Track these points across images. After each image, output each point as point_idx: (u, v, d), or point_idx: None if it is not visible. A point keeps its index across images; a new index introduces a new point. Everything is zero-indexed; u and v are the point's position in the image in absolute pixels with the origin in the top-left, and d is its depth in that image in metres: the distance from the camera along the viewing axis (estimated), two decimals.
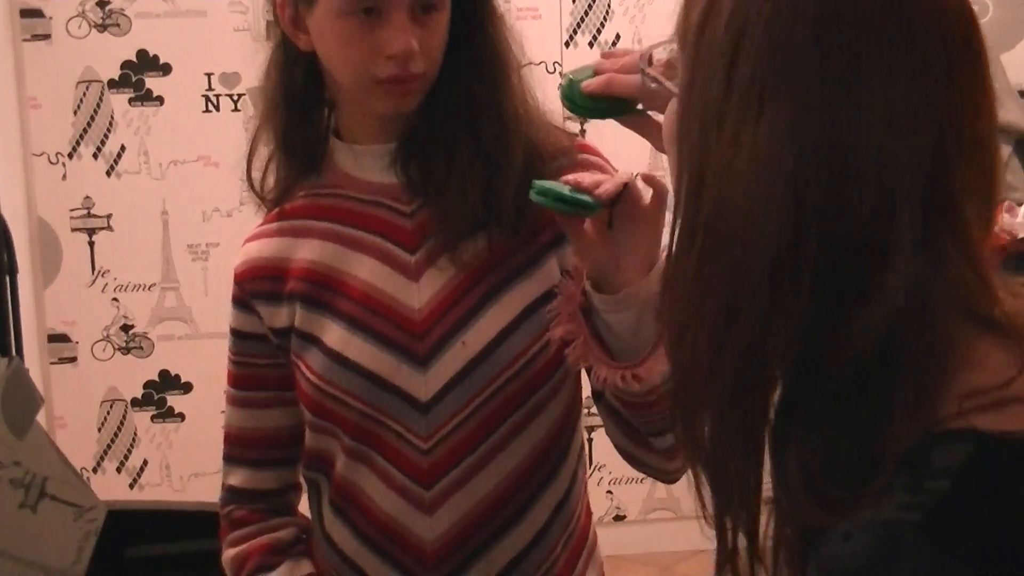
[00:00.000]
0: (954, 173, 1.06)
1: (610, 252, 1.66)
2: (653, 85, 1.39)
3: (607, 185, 1.62)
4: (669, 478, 1.88)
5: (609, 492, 4.50)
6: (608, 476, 4.47)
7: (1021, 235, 2.37)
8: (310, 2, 1.78)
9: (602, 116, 1.66)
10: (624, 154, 4.12)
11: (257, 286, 1.92)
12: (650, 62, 1.44)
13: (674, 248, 1.16)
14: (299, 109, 1.90)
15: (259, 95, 1.93)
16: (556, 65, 4.20)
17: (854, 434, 1.06)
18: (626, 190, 1.63)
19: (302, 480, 2.03)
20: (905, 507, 1.00)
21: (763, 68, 1.06)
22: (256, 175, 1.95)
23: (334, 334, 1.85)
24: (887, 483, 1.01)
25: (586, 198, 1.60)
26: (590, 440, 4.14)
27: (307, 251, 1.89)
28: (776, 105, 1.05)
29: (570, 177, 1.64)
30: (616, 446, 1.87)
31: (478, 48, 1.85)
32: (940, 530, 0.98)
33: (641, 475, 3.52)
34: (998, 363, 1.06)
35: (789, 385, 1.09)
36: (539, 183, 1.63)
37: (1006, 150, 3.73)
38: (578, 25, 4.19)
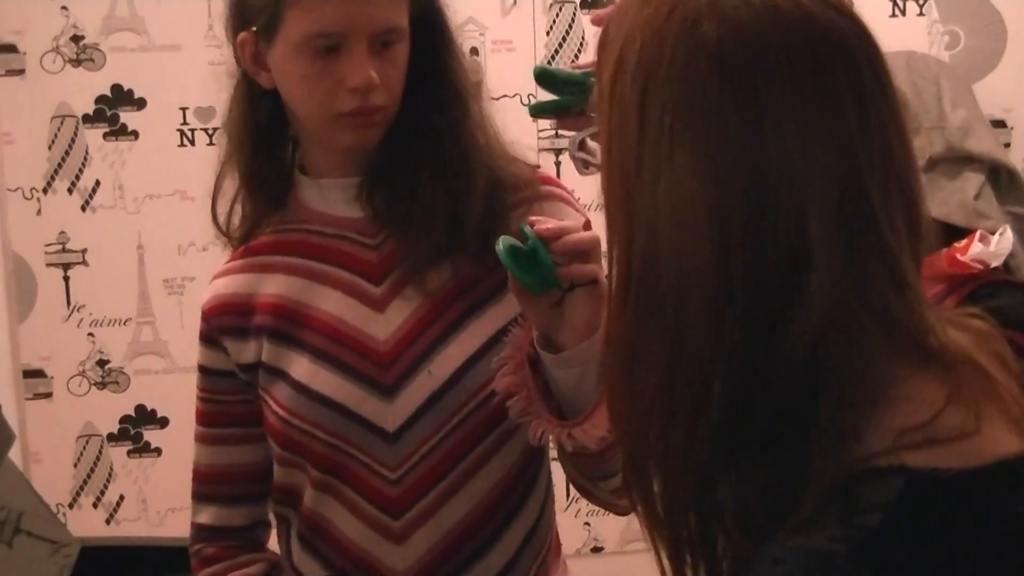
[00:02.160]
0: (872, 195, 1.08)
1: (557, 317, 1.67)
2: (585, 168, 1.42)
3: (584, 271, 1.62)
4: (620, 511, 1.90)
5: (587, 524, 4.48)
6: (586, 508, 4.46)
7: (993, 264, 2.38)
8: (270, 40, 1.79)
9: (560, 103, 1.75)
10: (598, 186, 4.10)
11: (224, 322, 1.92)
12: (581, 146, 1.46)
13: (611, 309, 1.17)
14: (263, 146, 1.91)
15: (222, 132, 1.94)
16: (531, 97, 4.20)
17: (783, 465, 1.07)
18: (594, 285, 1.64)
19: (271, 516, 2.03)
20: (835, 539, 1.01)
21: (670, 108, 1.08)
22: (222, 213, 1.95)
23: (301, 367, 1.85)
24: (816, 514, 1.03)
25: (552, 277, 1.61)
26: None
27: (273, 286, 1.89)
28: (685, 144, 1.07)
29: (572, 270, 1.64)
30: (568, 477, 1.87)
31: (437, 80, 1.87)
32: (870, 561, 1.00)
33: None
34: (931, 397, 1.08)
35: (724, 418, 1.09)
36: (506, 241, 1.62)
37: (978, 179, 3.73)
38: (552, 57, 4.19)
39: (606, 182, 1.17)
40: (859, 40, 1.10)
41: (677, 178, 1.07)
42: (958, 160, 3.66)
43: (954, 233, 2.99)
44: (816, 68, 1.07)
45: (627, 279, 1.14)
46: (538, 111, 1.81)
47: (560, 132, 4.19)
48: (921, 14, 4.19)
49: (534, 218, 1.64)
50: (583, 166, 1.65)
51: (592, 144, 1.57)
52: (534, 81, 1.79)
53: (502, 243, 1.61)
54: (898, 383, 1.08)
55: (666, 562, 1.16)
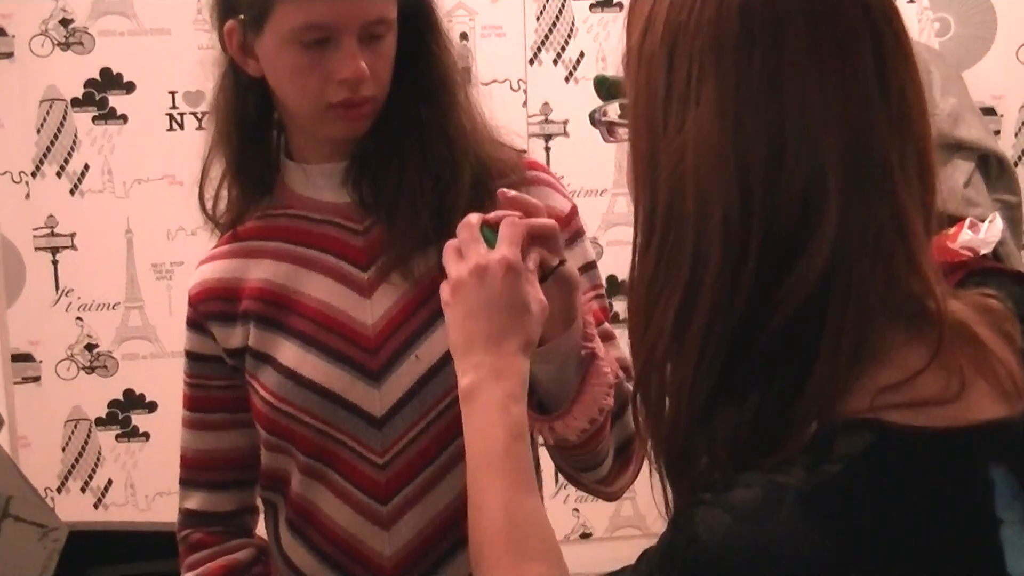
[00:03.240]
0: (888, 150, 1.11)
1: None
2: (610, 135, 1.43)
3: (546, 257, 1.60)
4: (609, 498, 1.89)
5: (575, 510, 4.49)
6: (575, 494, 4.47)
7: (982, 251, 2.37)
8: (259, 29, 1.78)
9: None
10: (588, 173, 4.13)
11: (211, 307, 1.92)
12: (604, 112, 1.47)
13: (635, 255, 1.21)
14: (250, 131, 1.90)
15: (209, 119, 1.94)
16: (520, 83, 4.20)
17: (775, 406, 1.11)
18: (559, 268, 1.62)
19: (259, 502, 2.03)
20: (798, 480, 1.05)
21: (697, 59, 1.12)
22: (208, 198, 1.95)
23: (288, 352, 1.85)
24: (793, 458, 1.08)
25: None
26: None
27: (260, 271, 1.89)
28: (709, 90, 1.11)
29: (537, 251, 1.61)
30: (555, 466, 1.87)
31: (425, 67, 1.86)
32: (819, 503, 1.04)
33: None
34: (916, 359, 1.12)
35: (730, 352, 1.13)
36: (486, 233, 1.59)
37: (968, 167, 3.75)
38: (542, 43, 4.19)
39: (633, 135, 1.20)
40: (881, 2, 1.14)
41: (701, 123, 1.11)
42: (948, 147, 3.68)
43: (943, 221, 3.00)
44: (837, 23, 1.11)
45: (651, 225, 1.18)
46: (601, 85, 1.81)
47: (549, 118, 4.19)
48: (911, 1, 4.20)
49: (492, 215, 1.62)
50: (607, 132, 1.63)
51: (612, 107, 1.56)
52: (594, 90, 1.79)
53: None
54: (889, 344, 1.12)
55: (656, 471, 1.22)
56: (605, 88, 1.78)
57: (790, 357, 1.11)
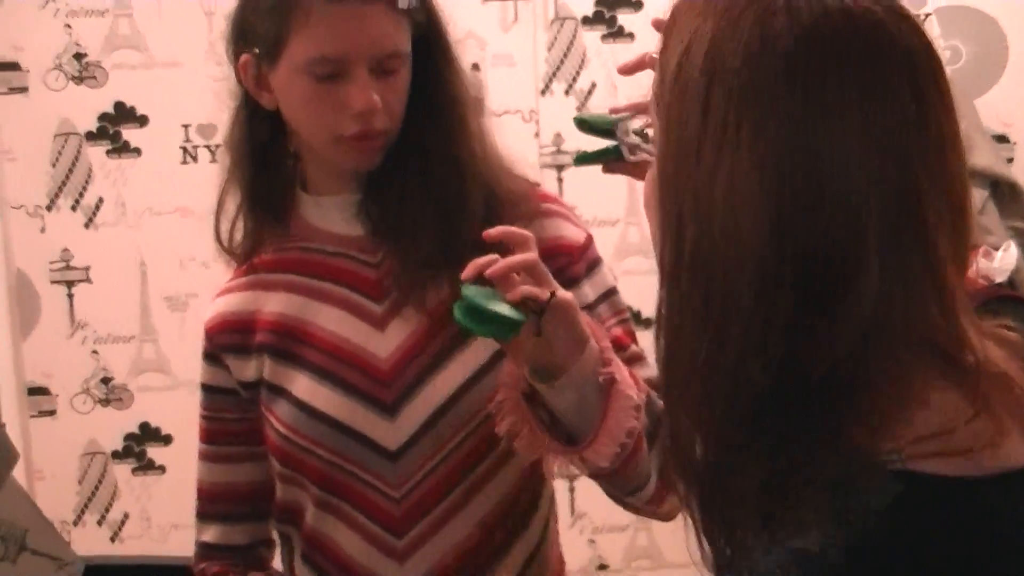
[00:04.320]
0: (925, 203, 1.09)
1: (538, 345, 1.64)
2: (631, 155, 1.42)
3: (531, 293, 1.61)
4: (663, 518, 1.88)
5: (591, 541, 4.48)
6: (590, 525, 4.46)
7: (998, 280, 2.37)
8: (273, 62, 1.80)
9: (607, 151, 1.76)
10: (601, 203, 4.13)
11: (226, 339, 1.92)
12: (629, 130, 1.47)
13: (662, 286, 1.18)
14: (264, 163, 1.91)
15: (224, 151, 1.94)
16: (532, 113, 4.21)
17: (805, 452, 1.08)
18: (552, 301, 1.62)
19: (275, 535, 2.03)
20: (829, 538, 1.03)
21: (736, 103, 1.09)
22: (224, 230, 1.95)
23: (302, 385, 1.85)
24: (818, 508, 1.05)
25: (510, 315, 1.59)
26: (572, 488, 4.13)
27: (275, 304, 1.90)
28: (749, 136, 1.09)
29: (518, 290, 1.61)
30: (605, 492, 1.86)
31: (438, 98, 1.87)
32: (862, 564, 1.02)
33: (623, 524, 3.50)
34: (952, 407, 1.09)
35: (761, 399, 1.11)
36: (465, 297, 1.60)
37: (981, 194, 3.75)
38: (554, 73, 4.20)
39: (661, 165, 1.18)
40: (926, 55, 1.12)
41: (737, 165, 1.09)
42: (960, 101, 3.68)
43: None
44: (883, 76, 1.09)
45: (677, 263, 1.15)
46: (582, 161, 1.83)
47: (561, 149, 4.20)
48: None
49: (469, 269, 1.62)
50: (630, 151, 1.65)
51: (635, 125, 1.57)
52: (577, 127, 1.80)
53: (455, 310, 1.60)
54: (926, 390, 1.10)
55: (691, 520, 1.19)
56: (587, 128, 1.79)
57: (826, 406, 1.09)
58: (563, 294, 1.64)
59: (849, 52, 1.09)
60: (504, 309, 1.59)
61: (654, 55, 1.24)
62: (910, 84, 1.10)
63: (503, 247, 1.65)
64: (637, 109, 1.72)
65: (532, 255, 1.64)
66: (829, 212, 1.07)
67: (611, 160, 1.79)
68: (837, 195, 1.07)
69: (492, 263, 1.61)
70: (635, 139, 1.58)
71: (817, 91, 1.08)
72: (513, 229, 1.66)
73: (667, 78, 1.17)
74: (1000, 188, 3.86)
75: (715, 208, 1.10)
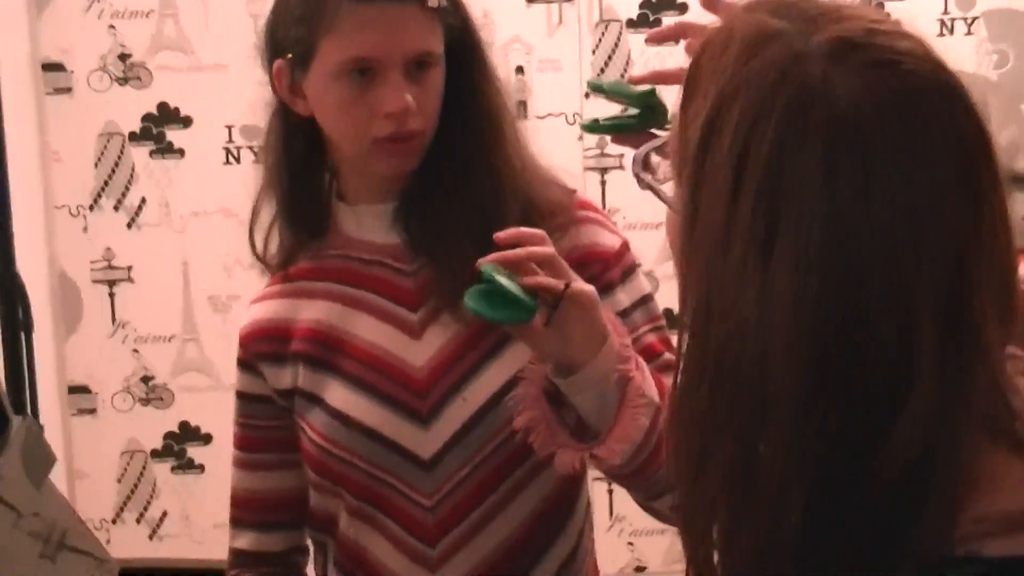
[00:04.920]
0: (976, 293, 1.02)
1: (557, 339, 1.63)
2: (646, 188, 1.36)
3: (547, 282, 1.61)
4: None
5: (630, 543, 4.47)
6: (629, 528, 4.45)
7: None
8: (305, 68, 1.80)
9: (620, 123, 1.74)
10: (645, 205, 4.12)
11: (261, 347, 1.92)
12: (645, 163, 1.43)
13: (681, 376, 1.12)
14: (300, 173, 1.91)
15: (260, 161, 1.95)
16: (576, 116, 4.20)
17: (874, 555, 1.02)
18: (567, 291, 1.61)
19: (309, 542, 2.03)
20: None
21: (767, 200, 1.02)
22: (259, 240, 1.95)
23: (337, 394, 1.85)
24: None
25: (521, 298, 1.59)
26: (610, 491, 4.13)
27: (310, 312, 1.90)
28: (785, 240, 1.01)
29: (529, 278, 1.61)
30: (634, 500, 1.85)
31: (472, 103, 1.86)
32: None
33: (662, 527, 3.49)
34: (1015, 482, 1.04)
35: (804, 526, 1.03)
36: (483, 278, 1.60)
37: None
38: (599, 75, 4.19)
39: (683, 244, 1.11)
40: (971, 133, 1.05)
41: (769, 270, 1.01)
42: (1007, 181, 3.66)
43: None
44: (927, 165, 1.01)
45: (702, 361, 1.08)
46: (592, 129, 1.80)
47: (605, 152, 4.19)
48: (969, 33, 4.18)
49: (486, 258, 1.62)
50: (646, 188, 1.63)
51: (655, 159, 1.54)
52: (589, 92, 1.78)
53: (467, 297, 1.60)
54: (986, 467, 1.03)
55: None
56: (602, 93, 1.77)
57: (885, 520, 1.01)
58: (579, 286, 1.63)
59: (891, 141, 1.01)
60: (516, 293, 1.58)
61: (687, 26, 1.16)
62: (960, 170, 1.02)
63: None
64: (657, 79, 1.70)
65: (549, 248, 1.64)
66: (876, 321, 1.00)
67: (622, 131, 1.77)
68: (884, 301, 1.00)
69: (510, 242, 1.62)
70: (648, 178, 1.56)
71: (856, 188, 0.99)
72: (524, 229, 1.66)
73: (690, 144, 1.09)
74: None
75: (746, 313, 1.02)
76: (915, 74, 1.04)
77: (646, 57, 4.22)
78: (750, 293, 1.02)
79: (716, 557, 1.10)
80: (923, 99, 1.03)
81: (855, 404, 1.01)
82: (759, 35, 1.07)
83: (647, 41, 1.77)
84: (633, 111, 1.72)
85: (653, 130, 1.68)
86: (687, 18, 4.04)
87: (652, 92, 1.71)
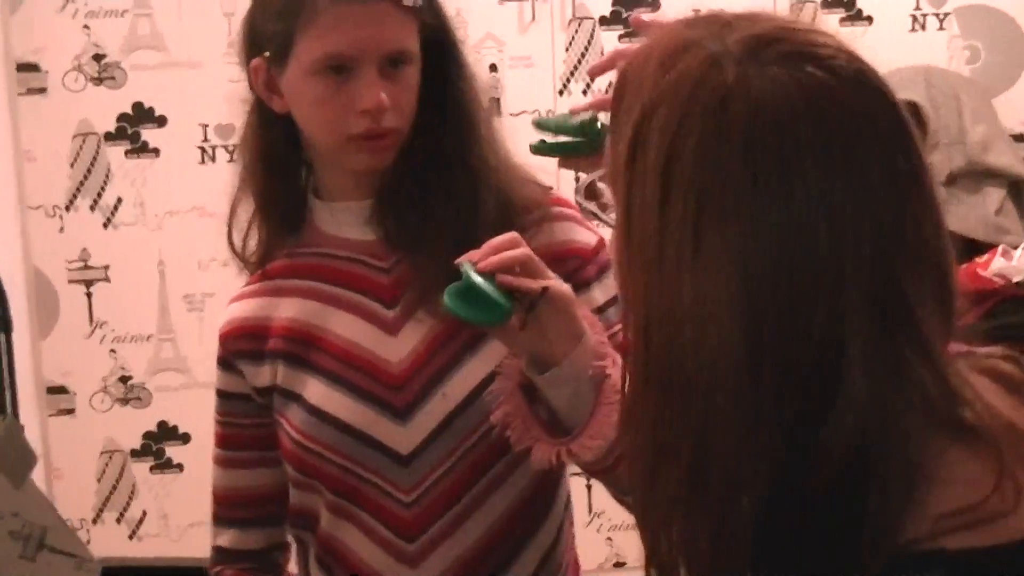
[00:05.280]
0: (904, 280, 1.04)
1: (533, 336, 1.65)
2: (593, 219, 1.38)
3: (524, 284, 1.62)
4: None
5: (609, 539, 4.48)
6: (608, 523, 4.46)
7: (1015, 279, 2.38)
8: (282, 64, 1.81)
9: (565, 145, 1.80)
10: None
11: (240, 345, 1.93)
12: (589, 192, 1.45)
13: (628, 389, 1.14)
14: (277, 170, 1.92)
15: (237, 157, 1.95)
16: (549, 113, 4.21)
17: (823, 560, 1.03)
18: (545, 294, 1.62)
19: (290, 539, 2.03)
20: None
21: (694, 201, 1.04)
22: (237, 237, 1.96)
23: (315, 390, 1.86)
24: None
25: (497, 299, 1.60)
26: (589, 486, 4.13)
27: (288, 310, 1.91)
28: (712, 237, 1.03)
29: (507, 278, 1.62)
30: (612, 495, 1.86)
31: (447, 101, 1.87)
32: None
33: None
34: (970, 475, 1.04)
35: (761, 510, 1.05)
36: (461, 277, 1.62)
37: (999, 194, 3.73)
38: (571, 73, 4.20)
39: (622, 258, 1.13)
40: (889, 120, 1.07)
41: (702, 273, 1.03)
42: (978, 175, 3.66)
43: (975, 248, 2.99)
44: (846, 153, 1.03)
45: (646, 365, 1.10)
46: (538, 151, 1.83)
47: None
48: (941, 28, 4.19)
49: (464, 257, 1.64)
50: (591, 217, 1.66)
51: (600, 185, 1.56)
52: (534, 129, 1.82)
53: (445, 295, 1.62)
54: (935, 463, 1.05)
55: None
56: (544, 130, 1.81)
57: (836, 512, 1.03)
58: (557, 287, 1.64)
59: (809, 136, 1.03)
60: (493, 295, 1.60)
61: (622, 53, 1.18)
62: (878, 158, 1.05)
63: None
64: (597, 107, 1.74)
65: (525, 250, 1.65)
66: (805, 309, 1.02)
67: (568, 154, 1.80)
68: (811, 290, 1.02)
69: (486, 255, 1.63)
70: (591, 206, 1.59)
71: (777, 181, 1.02)
72: (495, 240, 1.66)
73: (620, 156, 1.12)
74: (1020, 188, 3.85)
75: (682, 314, 1.05)
76: (828, 65, 1.06)
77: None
78: (685, 295, 1.04)
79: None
80: (837, 89, 1.05)
81: (792, 396, 1.02)
82: (676, 46, 1.10)
83: (589, 74, 1.81)
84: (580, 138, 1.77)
85: (596, 157, 1.72)
86: (659, 15, 4.07)
87: (593, 119, 1.75)
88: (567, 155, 1.81)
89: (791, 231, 1.02)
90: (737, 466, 1.04)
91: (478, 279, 1.60)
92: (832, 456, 1.02)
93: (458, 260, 1.64)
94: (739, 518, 1.05)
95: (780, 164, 1.02)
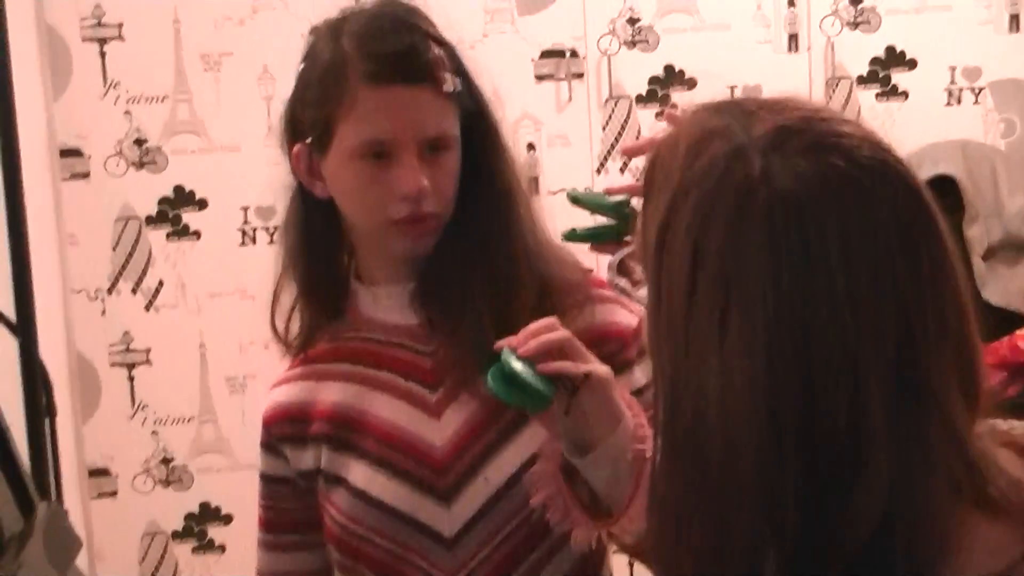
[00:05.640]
0: (926, 364, 1.05)
1: (573, 420, 1.65)
2: (622, 295, 1.40)
3: (566, 369, 1.63)
4: None
5: None
6: None
7: None
8: (323, 150, 1.82)
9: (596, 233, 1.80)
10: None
11: (283, 430, 1.94)
12: (619, 269, 1.46)
13: (657, 462, 1.15)
14: (320, 255, 1.93)
15: (280, 243, 1.97)
16: (587, 190, 4.22)
17: None
18: (588, 379, 1.63)
19: None
20: None
21: (721, 288, 1.06)
22: (280, 322, 1.97)
23: (358, 473, 1.86)
24: None
25: (539, 388, 1.61)
26: (631, 564, 4.11)
27: (330, 393, 1.91)
28: (738, 323, 1.05)
29: (551, 365, 1.63)
30: None
31: (487, 184, 1.88)
32: None
33: None
34: (995, 545, 1.05)
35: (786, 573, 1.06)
36: (502, 362, 1.63)
37: None
38: (608, 152, 4.22)
39: (652, 338, 1.15)
40: (912, 208, 1.09)
41: (727, 357, 1.05)
42: (1017, 247, 3.66)
43: (1015, 320, 2.98)
44: (867, 243, 1.05)
45: (672, 446, 1.12)
46: (570, 238, 1.84)
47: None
48: (976, 103, 4.20)
49: (503, 342, 1.65)
50: (622, 293, 1.66)
51: (630, 264, 1.58)
52: (570, 203, 1.83)
53: (489, 375, 1.63)
54: (961, 533, 1.06)
55: None
56: (580, 205, 1.82)
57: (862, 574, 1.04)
58: (599, 371, 1.65)
59: (828, 224, 1.05)
60: (535, 382, 1.61)
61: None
62: (899, 245, 1.06)
63: None
64: (634, 191, 1.74)
65: (564, 333, 1.66)
66: (827, 395, 1.03)
67: (601, 241, 1.81)
68: (832, 370, 1.03)
69: (525, 340, 1.63)
70: (622, 282, 1.60)
71: (802, 269, 1.04)
72: (533, 326, 1.67)
73: (650, 239, 1.14)
74: None
75: (708, 396, 1.06)
76: (852, 156, 1.08)
77: (655, 132, 4.24)
78: (711, 377, 1.06)
79: None
80: (860, 179, 1.07)
81: (815, 476, 1.04)
82: (703, 134, 1.12)
83: (623, 153, 1.83)
84: (610, 221, 1.77)
85: (628, 238, 1.73)
86: (696, 94, 4.09)
87: (627, 202, 1.76)
88: (599, 241, 1.82)
89: (810, 317, 1.03)
90: (759, 546, 1.05)
91: (518, 365, 1.61)
92: (856, 535, 1.03)
93: (498, 345, 1.64)
94: None
95: (802, 255, 1.04)
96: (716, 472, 1.07)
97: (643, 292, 1.20)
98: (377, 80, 1.77)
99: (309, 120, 1.84)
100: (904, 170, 1.10)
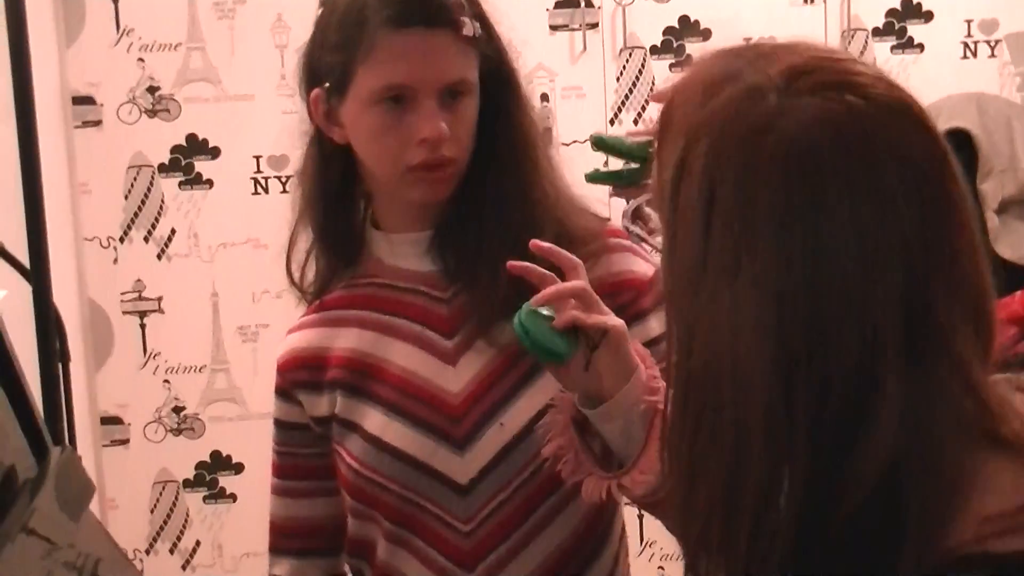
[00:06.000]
0: (938, 305, 1.06)
1: (587, 372, 1.66)
2: (639, 243, 1.40)
3: (589, 320, 1.63)
4: None
5: (660, 568, 4.47)
6: (659, 552, 4.45)
7: None
8: (342, 95, 1.82)
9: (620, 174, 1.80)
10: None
11: (298, 376, 1.94)
12: (635, 216, 1.46)
13: (670, 408, 1.16)
14: (336, 202, 1.93)
15: (296, 189, 1.96)
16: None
17: (866, 560, 1.04)
18: (608, 336, 1.64)
19: (347, 569, 2.03)
20: None
21: (735, 226, 1.07)
22: (296, 268, 1.97)
23: (373, 420, 1.86)
24: None
25: (558, 348, 1.63)
26: (640, 516, 4.12)
27: (346, 340, 1.91)
28: (750, 259, 1.05)
29: (567, 317, 1.64)
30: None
31: (506, 133, 1.87)
32: None
33: None
34: (1011, 484, 1.06)
35: (800, 527, 1.07)
36: (525, 314, 1.65)
37: None
38: (623, 103, 4.21)
39: (667, 279, 1.16)
40: (925, 148, 1.09)
41: (738, 298, 1.06)
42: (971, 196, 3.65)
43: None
44: (874, 179, 1.05)
45: (686, 383, 1.13)
46: (594, 179, 1.84)
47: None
48: (992, 56, 4.18)
49: (535, 299, 1.66)
50: (637, 240, 1.66)
51: (647, 211, 1.57)
52: (591, 148, 1.83)
53: (516, 318, 1.65)
54: (975, 473, 1.06)
55: None
56: (604, 148, 1.81)
57: (871, 522, 1.05)
58: (616, 327, 1.65)
59: (844, 168, 1.05)
60: (554, 340, 1.63)
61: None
62: (911, 189, 1.06)
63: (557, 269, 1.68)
64: (653, 135, 1.74)
65: (580, 283, 1.66)
66: (836, 333, 1.04)
67: (623, 184, 1.80)
68: (842, 315, 1.04)
69: (546, 292, 1.64)
70: (638, 229, 1.59)
71: (811, 209, 1.05)
72: (559, 250, 1.68)
73: (666, 186, 1.14)
74: None
75: (720, 338, 1.08)
76: (865, 93, 1.08)
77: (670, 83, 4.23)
78: (722, 319, 1.07)
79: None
80: (871, 116, 1.07)
81: (826, 416, 1.04)
82: (719, 76, 1.13)
83: (654, 100, 1.82)
84: (632, 165, 1.77)
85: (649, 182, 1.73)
86: (710, 45, 4.06)
87: (650, 143, 1.75)
88: (622, 184, 1.81)
89: (821, 257, 1.04)
90: (772, 478, 1.06)
91: (537, 324, 1.62)
92: (868, 471, 1.04)
93: (530, 302, 1.65)
94: (777, 520, 1.07)
95: (811, 192, 1.05)
96: (728, 412, 1.08)
97: (659, 239, 1.21)
98: (397, 23, 1.76)
99: (327, 65, 1.83)
100: (919, 111, 1.10)
